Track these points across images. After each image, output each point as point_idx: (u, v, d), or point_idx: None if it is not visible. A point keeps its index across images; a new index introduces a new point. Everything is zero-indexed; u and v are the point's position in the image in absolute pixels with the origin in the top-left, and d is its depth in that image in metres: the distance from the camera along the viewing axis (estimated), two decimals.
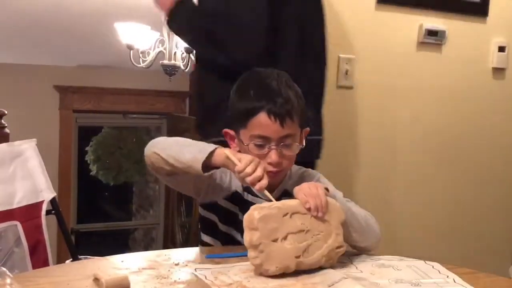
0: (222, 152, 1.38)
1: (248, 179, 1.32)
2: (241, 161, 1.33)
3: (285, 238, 1.24)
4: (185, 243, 5.56)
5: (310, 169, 1.61)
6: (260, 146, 1.41)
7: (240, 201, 1.48)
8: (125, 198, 7.23)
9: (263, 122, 1.39)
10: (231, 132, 1.50)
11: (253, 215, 1.23)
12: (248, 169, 1.31)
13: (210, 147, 1.39)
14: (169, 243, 5.91)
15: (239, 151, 1.47)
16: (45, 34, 4.63)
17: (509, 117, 2.82)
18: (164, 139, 1.52)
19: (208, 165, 1.38)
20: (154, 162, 1.47)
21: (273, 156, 1.40)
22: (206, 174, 1.39)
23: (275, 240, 1.23)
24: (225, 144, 1.48)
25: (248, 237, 1.22)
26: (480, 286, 1.20)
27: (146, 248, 6.76)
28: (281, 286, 1.18)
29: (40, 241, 1.85)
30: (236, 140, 1.49)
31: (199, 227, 1.63)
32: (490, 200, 2.82)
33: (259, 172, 1.32)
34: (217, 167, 1.41)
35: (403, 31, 2.59)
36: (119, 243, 7.09)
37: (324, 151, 2.47)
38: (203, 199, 1.57)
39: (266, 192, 1.33)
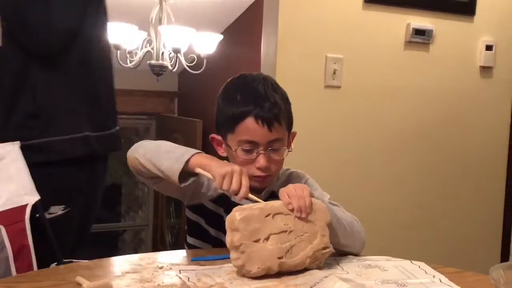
0: (198, 158, 1.34)
1: (228, 194, 1.30)
2: (215, 178, 1.30)
3: (267, 238, 1.23)
4: (175, 244, 5.55)
5: (297, 170, 1.60)
6: (248, 151, 1.40)
7: (226, 203, 1.47)
8: (113, 199, 7.19)
9: (250, 127, 1.38)
10: (218, 137, 1.48)
11: (234, 216, 1.22)
12: (225, 186, 1.29)
13: (187, 154, 1.35)
14: (159, 244, 5.89)
15: (227, 157, 1.45)
16: None
17: (497, 115, 2.83)
18: (146, 143, 1.49)
19: (187, 171, 1.35)
20: (134, 166, 1.47)
21: (261, 161, 1.39)
22: (183, 185, 1.36)
23: (257, 241, 1.22)
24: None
25: (229, 238, 1.21)
26: (466, 285, 1.20)
27: (136, 249, 6.73)
28: (263, 287, 1.17)
29: (24, 245, 1.82)
30: (223, 145, 1.48)
31: (186, 229, 1.62)
32: (479, 199, 2.83)
33: (235, 185, 1.28)
34: (197, 175, 1.38)
35: (391, 30, 2.59)
36: (108, 245, 7.05)
37: (312, 150, 2.47)
38: (189, 202, 1.56)
39: (251, 196, 1.31)
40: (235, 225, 1.21)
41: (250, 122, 1.38)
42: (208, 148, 1.57)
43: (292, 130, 1.50)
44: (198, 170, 1.33)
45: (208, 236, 1.54)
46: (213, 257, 1.35)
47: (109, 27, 3.38)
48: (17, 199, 1.84)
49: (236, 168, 1.31)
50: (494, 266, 0.95)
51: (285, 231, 1.25)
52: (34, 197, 1.88)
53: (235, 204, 1.31)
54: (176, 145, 1.44)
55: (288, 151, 1.45)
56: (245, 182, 1.30)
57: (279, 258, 1.23)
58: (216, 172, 1.30)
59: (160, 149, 1.43)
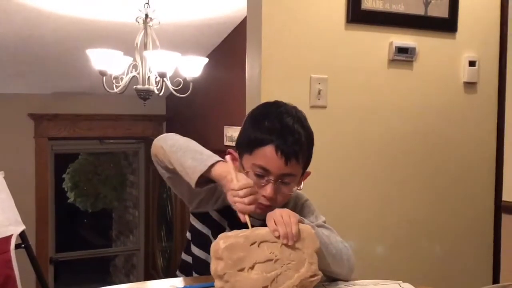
0: (224, 165, 1.35)
1: (237, 203, 1.31)
2: (239, 181, 1.31)
3: (252, 267, 1.21)
4: (167, 269, 5.51)
5: (298, 191, 1.60)
6: (259, 176, 1.41)
7: (231, 216, 1.45)
8: (104, 224, 7.16)
9: (268, 154, 1.39)
10: (235, 154, 1.49)
11: (218, 244, 1.20)
12: (241, 192, 1.30)
13: (211, 159, 1.36)
14: (150, 268, 5.85)
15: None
16: (18, 63, 4.60)
17: (482, 130, 2.84)
18: (176, 137, 1.51)
19: (204, 175, 1.35)
20: (157, 154, 1.49)
21: (268, 189, 1.40)
22: (196, 188, 1.37)
23: (241, 270, 1.20)
24: None
25: (213, 266, 1.20)
26: None
27: (128, 274, 6.68)
28: None
29: (9, 276, 1.80)
30: (237, 163, 1.48)
31: (189, 238, 1.59)
32: (468, 215, 2.82)
33: (246, 199, 1.30)
34: (212, 181, 1.39)
35: (374, 49, 2.60)
36: (100, 271, 7.00)
37: None
38: (195, 209, 1.56)
39: (247, 217, 1.31)
40: (219, 253, 1.19)
41: (269, 150, 1.39)
42: None
43: (307, 170, 1.51)
44: (230, 168, 1.35)
45: None
46: (200, 285, 1.34)
47: (95, 53, 3.38)
48: (2, 229, 1.83)
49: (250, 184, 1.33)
50: None
51: (271, 260, 1.23)
52: (19, 227, 1.87)
53: (239, 220, 1.31)
54: (202, 147, 1.45)
55: (297, 189, 1.47)
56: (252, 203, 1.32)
57: (264, 287, 1.21)
58: (243, 179, 1.33)
59: (189, 146, 1.44)
